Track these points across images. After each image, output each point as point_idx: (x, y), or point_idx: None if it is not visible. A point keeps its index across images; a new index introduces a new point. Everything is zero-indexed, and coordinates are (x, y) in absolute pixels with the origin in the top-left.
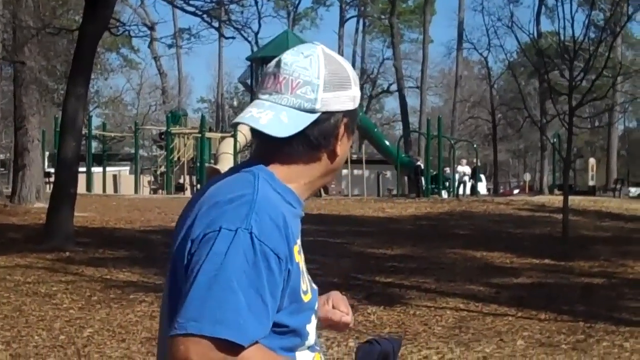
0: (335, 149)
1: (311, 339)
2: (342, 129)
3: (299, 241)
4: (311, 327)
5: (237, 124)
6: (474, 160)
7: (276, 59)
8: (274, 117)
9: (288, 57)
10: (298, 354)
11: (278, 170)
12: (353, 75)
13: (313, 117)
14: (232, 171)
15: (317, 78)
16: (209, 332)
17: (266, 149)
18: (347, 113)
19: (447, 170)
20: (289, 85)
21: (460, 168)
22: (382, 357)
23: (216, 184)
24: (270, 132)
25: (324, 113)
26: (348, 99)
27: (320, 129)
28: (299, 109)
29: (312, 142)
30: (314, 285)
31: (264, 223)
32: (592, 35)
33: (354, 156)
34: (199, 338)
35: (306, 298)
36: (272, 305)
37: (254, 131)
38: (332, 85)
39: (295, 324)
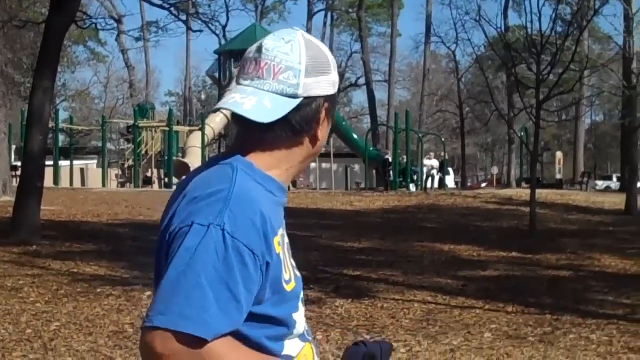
0: (317, 133)
1: (299, 327)
2: (323, 114)
3: (280, 230)
4: (298, 315)
5: (219, 109)
6: (442, 154)
7: (257, 44)
8: (257, 102)
9: (269, 43)
10: (287, 342)
11: (259, 158)
12: (332, 60)
13: (295, 102)
14: (211, 162)
15: (299, 63)
16: (173, 326)
17: (248, 135)
18: (327, 98)
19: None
20: (271, 70)
21: (427, 161)
22: (367, 358)
23: (196, 177)
24: (254, 118)
25: (305, 98)
26: (328, 83)
27: (302, 114)
28: (282, 94)
29: (295, 127)
30: (298, 273)
31: (238, 219)
32: (559, 29)
33: (322, 149)
34: (163, 331)
35: (289, 287)
36: (246, 298)
37: (235, 117)
38: (313, 70)
39: (279, 313)
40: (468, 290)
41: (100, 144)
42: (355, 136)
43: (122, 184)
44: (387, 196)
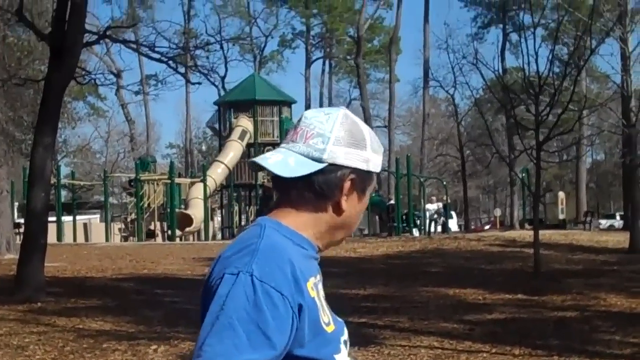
0: (340, 202)
1: None
2: (347, 184)
3: (313, 279)
4: (340, 357)
5: (253, 162)
6: (444, 198)
7: (300, 115)
8: (282, 159)
9: (310, 113)
10: None
11: (287, 217)
12: (371, 140)
13: (319, 165)
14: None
15: (330, 132)
16: None
17: (279, 195)
18: (356, 171)
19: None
20: (304, 135)
21: (430, 206)
22: None
23: (232, 240)
24: (273, 170)
25: (331, 165)
26: (359, 157)
27: (326, 178)
28: (307, 156)
29: (316, 189)
30: (339, 319)
31: (265, 266)
32: (556, 69)
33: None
34: None
35: (329, 329)
36: (279, 338)
37: (272, 177)
38: (343, 141)
39: (322, 355)
40: (475, 334)
41: (102, 199)
42: None
43: (126, 238)
44: (390, 242)
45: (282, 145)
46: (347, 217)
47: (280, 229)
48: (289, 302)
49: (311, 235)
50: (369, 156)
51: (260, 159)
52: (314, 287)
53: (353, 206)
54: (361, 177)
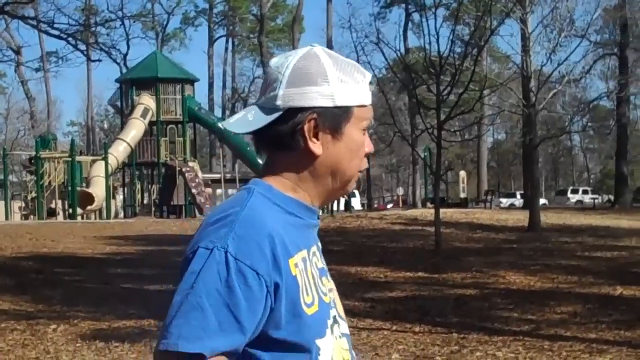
0: (309, 148)
1: (325, 354)
2: (307, 126)
3: (302, 253)
4: (324, 342)
5: (222, 127)
6: None
7: None
8: (242, 116)
9: (273, 60)
10: None
11: (275, 180)
12: (338, 71)
13: (275, 114)
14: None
15: (282, 74)
16: (172, 347)
17: (265, 159)
18: (319, 110)
19: None
20: (265, 85)
21: None
22: None
23: (221, 202)
24: (231, 129)
25: (290, 110)
26: (320, 94)
27: (287, 127)
28: (265, 106)
29: (284, 141)
30: (329, 299)
31: (242, 241)
32: (457, 49)
33: (228, 175)
34: (164, 354)
35: (310, 310)
36: (249, 321)
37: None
38: (297, 81)
39: (301, 339)
40: (375, 311)
41: (2, 177)
42: (260, 161)
43: (26, 217)
44: None
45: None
46: (329, 160)
47: (271, 194)
48: (265, 282)
49: (304, 195)
50: (334, 90)
51: (224, 122)
52: (301, 262)
53: (331, 147)
54: (328, 115)
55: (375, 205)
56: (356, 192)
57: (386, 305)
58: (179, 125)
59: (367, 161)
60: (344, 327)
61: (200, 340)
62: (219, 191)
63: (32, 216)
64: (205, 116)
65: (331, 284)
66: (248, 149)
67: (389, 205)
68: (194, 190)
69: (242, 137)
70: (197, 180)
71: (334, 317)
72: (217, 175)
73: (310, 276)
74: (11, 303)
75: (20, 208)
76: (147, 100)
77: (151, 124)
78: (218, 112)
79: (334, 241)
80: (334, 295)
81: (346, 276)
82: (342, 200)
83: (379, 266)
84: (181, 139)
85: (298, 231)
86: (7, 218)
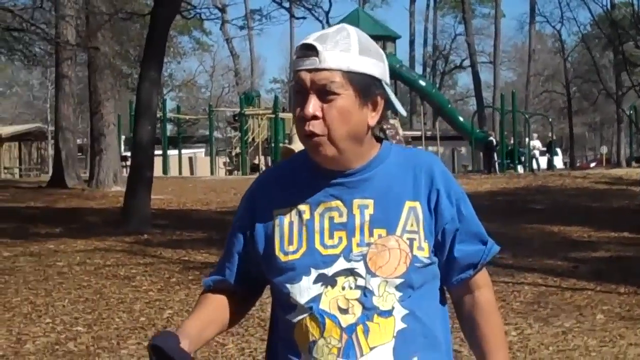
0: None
1: (299, 298)
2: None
3: (293, 208)
4: (295, 288)
5: None
6: (550, 135)
7: None
8: None
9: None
10: (290, 310)
11: None
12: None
13: None
14: None
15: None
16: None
17: None
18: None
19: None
20: None
21: (530, 142)
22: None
23: None
24: None
25: None
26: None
27: None
28: None
29: None
30: (320, 248)
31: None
32: None
33: (428, 133)
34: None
35: (284, 258)
36: (228, 259)
37: None
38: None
39: (270, 277)
40: (579, 271)
41: (207, 133)
42: (461, 119)
43: (230, 172)
44: (494, 178)
45: None
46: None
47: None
48: (237, 229)
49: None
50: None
51: None
52: (287, 213)
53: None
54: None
55: (578, 164)
56: (558, 150)
57: (590, 265)
58: None
59: (308, 125)
60: (363, 281)
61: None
62: (419, 148)
63: (236, 171)
64: (406, 73)
65: (374, 238)
66: (449, 105)
67: (592, 164)
68: None
69: (443, 94)
70: (397, 137)
71: (347, 269)
72: (418, 133)
73: (299, 227)
74: (217, 256)
75: (224, 164)
76: None
77: None
78: (419, 69)
79: (536, 200)
80: (373, 250)
81: (549, 235)
82: (544, 160)
83: (582, 225)
84: None
85: (294, 188)
86: (212, 173)
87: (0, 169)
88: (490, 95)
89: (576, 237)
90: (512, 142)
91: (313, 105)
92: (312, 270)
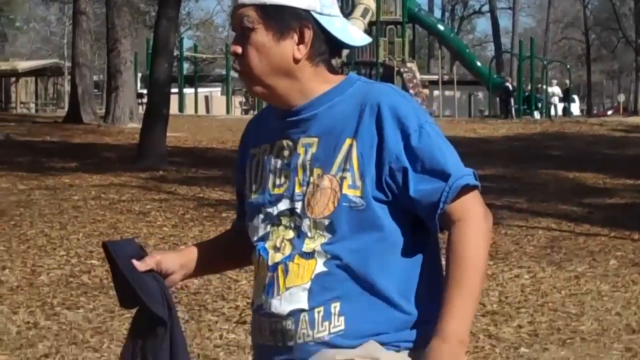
0: None
1: (252, 235)
2: None
3: (264, 147)
4: (252, 226)
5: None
6: (567, 82)
7: None
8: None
9: None
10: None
11: None
12: None
13: None
14: None
15: None
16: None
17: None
18: None
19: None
20: None
21: (549, 89)
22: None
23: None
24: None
25: None
26: None
27: None
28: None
29: None
30: (277, 190)
31: None
32: None
33: (445, 77)
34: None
35: (249, 197)
36: (237, 197)
37: None
38: None
39: (247, 213)
40: (593, 217)
41: (224, 72)
42: (479, 64)
43: (246, 112)
44: (511, 124)
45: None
46: None
47: None
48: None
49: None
50: None
51: (353, 39)
52: (260, 154)
53: None
54: None
55: (595, 112)
56: (575, 97)
57: (604, 211)
58: (398, 26)
59: (234, 62)
60: (300, 222)
61: None
62: (436, 92)
63: (251, 111)
64: (425, 17)
65: (313, 177)
66: (467, 50)
67: (609, 112)
68: (411, 91)
69: (461, 39)
70: (415, 81)
71: (289, 209)
72: (435, 77)
73: (261, 166)
74: (232, 194)
75: (240, 103)
76: (367, 1)
77: (371, 24)
78: (437, 13)
79: (552, 146)
80: (309, 190)
81: (564, 181)
82: (561, 106)
83: (598, 172)
84: (400, 39)
85: (268, 128)
86: (228, 112)
87: (17, 103)
88: (509, 42)
89: (591, 184)
90: (529, 88)
91: (234, 43)
92: (262, 209)
